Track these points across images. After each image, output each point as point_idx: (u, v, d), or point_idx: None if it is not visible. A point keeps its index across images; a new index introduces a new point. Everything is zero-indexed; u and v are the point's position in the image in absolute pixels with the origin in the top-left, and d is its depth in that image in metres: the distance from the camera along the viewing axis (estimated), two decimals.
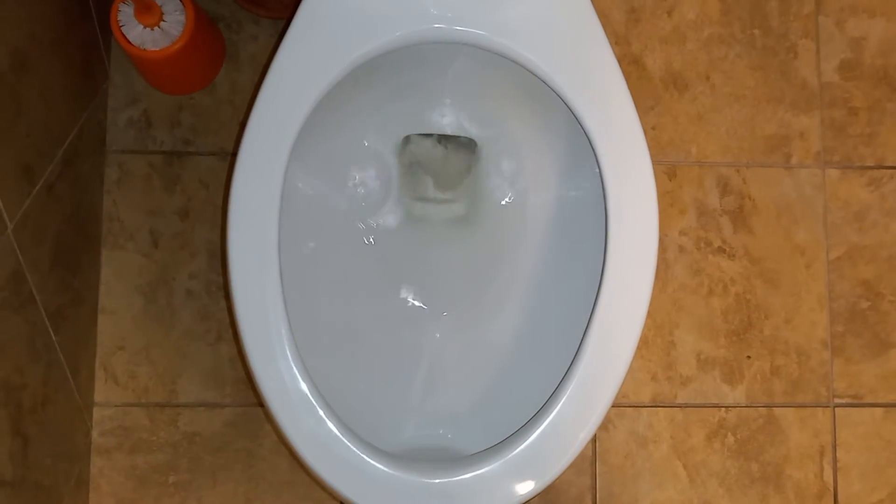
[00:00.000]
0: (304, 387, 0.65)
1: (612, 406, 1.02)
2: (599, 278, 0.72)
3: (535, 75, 0.72)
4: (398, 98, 0.84)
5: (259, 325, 0.66)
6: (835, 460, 1.04)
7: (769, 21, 1.09)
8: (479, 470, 0.65)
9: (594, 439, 1.02)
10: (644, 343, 1.04)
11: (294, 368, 0.65)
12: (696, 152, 1.07)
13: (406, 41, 0.72)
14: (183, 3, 0.93)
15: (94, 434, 0.98)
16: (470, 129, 0.89)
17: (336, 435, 0.64)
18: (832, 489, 1.03)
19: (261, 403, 1.00)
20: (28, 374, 0.80)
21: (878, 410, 1.05)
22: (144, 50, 0.92)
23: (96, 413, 0.99)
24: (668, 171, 1.06)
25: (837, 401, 1.05)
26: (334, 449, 0.64)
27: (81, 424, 0.96)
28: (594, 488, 1.01)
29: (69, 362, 0.91)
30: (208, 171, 1.02)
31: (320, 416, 0.65)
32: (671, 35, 1.08)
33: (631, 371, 1.03)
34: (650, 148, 0.75)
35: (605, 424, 1.02)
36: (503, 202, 0.88)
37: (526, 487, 0.65)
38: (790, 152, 1.07)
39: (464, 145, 0.89)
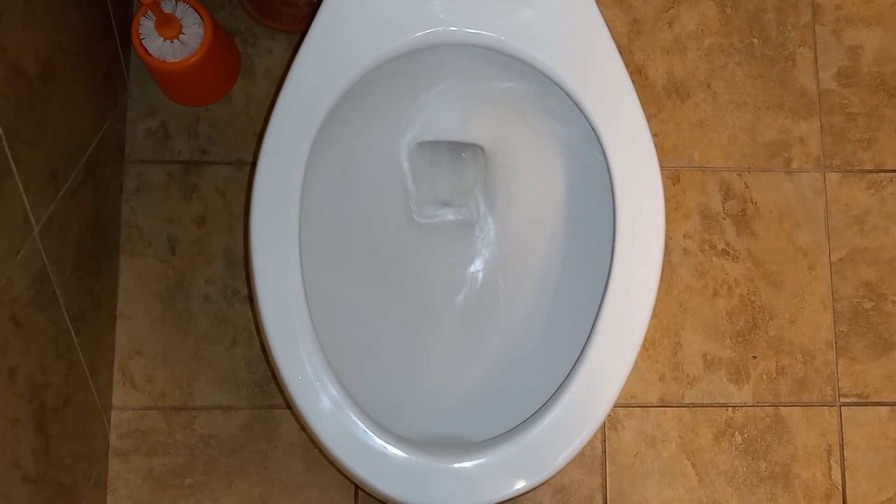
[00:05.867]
0: (324, 375, 0.67)
1: (621, 406, 1.04)
2: (607, 276, 0.74)
3: (545, 75, 0.75)
4: (411, 104, 0.87)
5: (281, 316, 0.69)
6: (842, 459, 1.05)
7: (767, 31, 1.12)
8: (495, 454, 0.67)
9: (604, 439, 1.03)
10: (651, 344, 1.06)
11: (315, 357, 0.68)
12: (699, 158, 1.09)
13: (419, 44, 0.75)
14: (201, 17, 0.97)
15: (112, 437, 1.00)
16: (479, 135, 0.91)
17: (355, 420, 0.66)
18: (840, 488, 1.05)
19: (276, 405, 1.01)
20: (51, 372, 0.83)
21: (884, 409, 1.06)
22: (164, 61, 0.96)
23: (114, 416, 1.00)
24: (671, 177, 1.09)
25: (843, 400, 1.06)
26: (353, 434, 0.66)
27: (100, 426, 0.97)
28: (604, 487, 1.03)
29: (89, 365, 0.93)
30: (224, 180, 1.05)
31: (340, 402, 0.67)
32: (672, 45, 1.11)
33: (639, 371, 1.05)
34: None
35: (615, 424, 1.04)
36: (510, 204, 0.90)
37: (540, 471, 0.67)
38: (791, 157, 1.10)
39: (473, 151, 0.92)
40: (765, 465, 1.04)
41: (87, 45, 0.91)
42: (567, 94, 0.77)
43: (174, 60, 0.96)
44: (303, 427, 0.88)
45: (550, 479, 0.99)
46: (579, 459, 1.03)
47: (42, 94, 0.79)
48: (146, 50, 0.95)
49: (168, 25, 0.95)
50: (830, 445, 1.05)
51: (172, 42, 0.96)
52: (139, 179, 1.05)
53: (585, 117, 0.77)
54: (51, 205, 0.82)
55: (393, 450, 0.66)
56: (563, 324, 0.81)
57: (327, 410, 0.67)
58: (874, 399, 1.07)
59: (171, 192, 1.05)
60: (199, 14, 0.97)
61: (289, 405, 1.01)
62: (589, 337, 0.72)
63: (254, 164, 1.04)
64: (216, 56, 0.99)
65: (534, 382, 0.75)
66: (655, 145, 0.77)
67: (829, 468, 1.05)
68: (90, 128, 0.93)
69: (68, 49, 0.85)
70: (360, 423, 0.67)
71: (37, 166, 0.78)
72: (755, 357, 1.06)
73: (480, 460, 0.67)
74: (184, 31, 0.96)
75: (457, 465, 0.66)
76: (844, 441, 1.05)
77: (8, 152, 0.71)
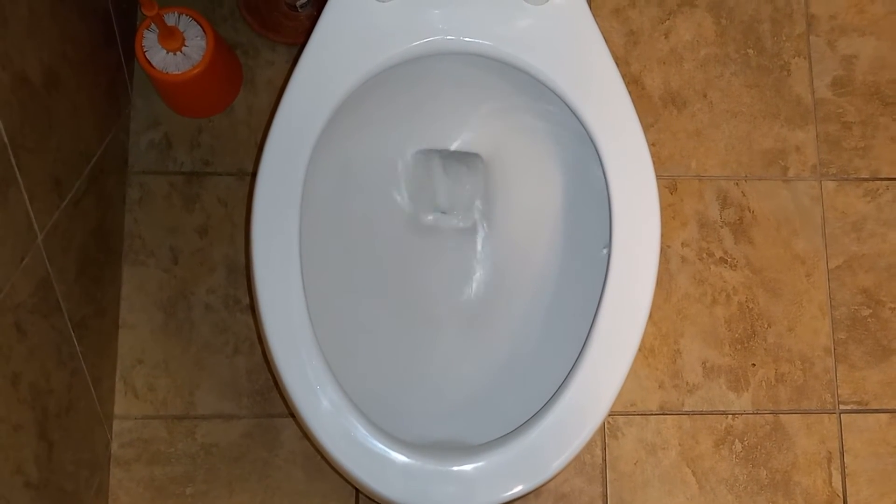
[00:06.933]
0: (325, 378, 0.68)
1: (621, 414, 1.04)
2: (603, 281, 0.75)
3: (542, 83, 0.76)
4: (409, 113, 0.88)
5: (283, 322, 0.69)
6: (843, 466, 1.05)
7: (762, 41, 1.14)
8: (494, 457, 0.67)
9: (604, 447, 1.04)
10: (650, 352, 1.06)
11: (316, 361, 0.68)
12: (696, 166, 1.10)
13: (418, 53, 0.76)
14: (204, 30, 0.98)
15: (114, 446, 1.00)
16: (477, 143, 0.92)
17: (355, 423, 0.67)
18: (842, 495, 1.05)
19: (277, 414, 1.02)
20: (54, 379, 0.83)
21: (884, 416, 1.07)
22: (167, 73, 0.97)
23: (116, 425, 1.01)
24: (668, 185, 1.10)
25: (843, 407, 1.06)
26: (353, 437, 0.67)
27: (102, 435, 0.98)
28: (605, 495, 1.03)
29: (91, 373, 0.94)
30: (226, 190, 1.06)
31: (340, 405, 0.67)
32: (669, 56, 1.13)
33: (638, 379, 1.05)
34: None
35: (615, 432, 1.04)
36: (509, 211, 0.91)
37: (539, 474, 0.67)
38: (787, 165, 1.11)
39: (471, 159, 0.93)
40: (765, 472, 1.04)
41: (92, 56, 0.92)
42: (564, 103, 0.78)
43: (177, 72, 0.97)
44: (305, 434, 0.88)
45: (550, 483, 0.99)
46: (580, 467, 1.03)
47: (46, 103, 0.80)
48: (149, 62, 0.97)
49: (171, 38, 0.96)
50: (831, 452, 1.05)
51: (175, 54, 0.97)
52: (142, 190, 1.06)
53: (582, 126, 0.78)
54: (55, 213, 0.83)
55: (393, 453, 0.67)
56: (560, 328, 0.82)
57: (327, 413, 0.67)
58: (874, 406, 1.07)
59: (173, 202, 1.06)
60: (201, 27, 0.98)
61: (291, 413, 1.01)
62: (586, 341, 0.72)
63: (255, 175, 1.05)
64: (218, 68, 1.01)
65: (532, 386, 0.75)
66: (652, 155, 0.78)
67: (830, 475, 1.05)
68: (94, 138, 0.94)
69: (73, 59, 0.87)
70: (360, 425, 0.67)
71: (41, 175, 0.79)
72: (754, 364, 1.07)
73: (480, 463, 0.67)
74: (186, 43, 0.97)
75: (456, 468, 0.67)
76: (845, 448, 1.05)
77: (13, 160, 0.72)
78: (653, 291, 0.74)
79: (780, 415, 1.06)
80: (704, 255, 1.09)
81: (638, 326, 0.72)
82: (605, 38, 0.80)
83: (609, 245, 0.75)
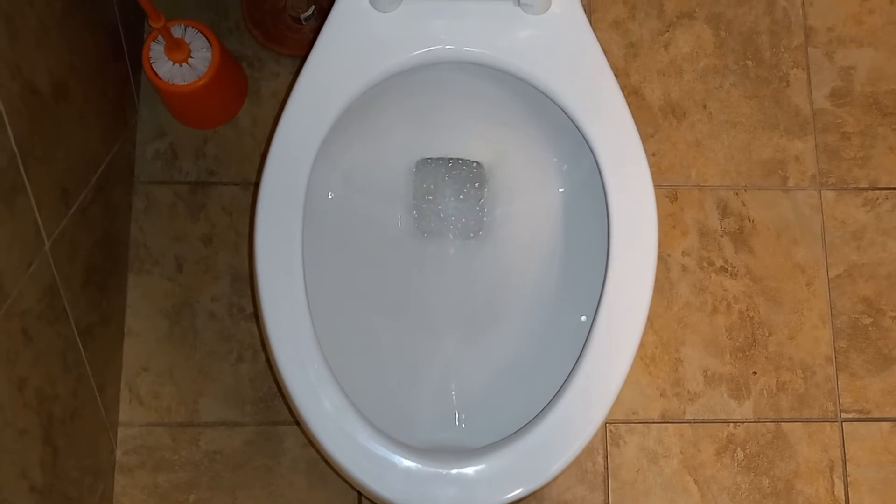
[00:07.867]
0: (327, 381, 0.69)
1: (623, 422, 1.04)
2: (601, 288, 0.75)
3: (540, 91, 0.78)
4: (411, 121, 0.90)
5: (286, 329, 0.70)
6: (845, 475, 1.05)
7: (761, 53, 1.15)
8: (494, 460, 0.68)
9: (606, 455, 1.04)
10: (652, 360, 1.07)
11: (318, 365, 0.69)
12: (696, 176, 1.11)
13: (419, 62, 0.77)
14: (210, 42, 1.00)
15: (118, 453, 1.01)
16: (478, 151, 0.94)
17: (357, 426, 0.68)
18: None
19: (280, 422, 1.02)
20: (59, 385, 0.84)
21: (886, 425, 1.07)
22: (173, 84, 0.98)
23: (120, 433, 1.01)
24: (669, 195, 1.11)
25: (844, 416, 1.07)
26: (355, 439, 0.67)
27: (106, 442, 0.98)
28: None
29: (96, 380, 0.94)
30: (231, 200, 1.07)
31: (342, 408, 0.68)
32: (668, 67, 1.14)
33: (640, 387, 1.06)
34: (651, 174, 0.79)
35: (616, 440, 1.04)
36: (509, 218, 0.92)
37: (538, 476, 0.68)
38: (787, 175, 1.12)
39: (472, 167, 0.94)
40: (767, 480, 1.04)
41: (99, 67, 0.94)
42: (563, 112, 0.79)
43: (183, 83, 0.99)
44: (308, 437, 0.89)
45: (552, 491, 0.99)
46: (582, 475, 1.03)
47: (55, 113, 0.82)
48: (156, 73, 0.98)
49: (177, 49, 0.98)
50: (833, 461, 1.05)
51: (181, 65, 0.99)
52: (147, 199, 1.07)
53: (581, 135, 0.79)
54: (62, 221, 0.84)
55: (394, 455, 0.67)
56: (560, 332, 0.82)
57: (330, 416, 0.68)
58: (875, 414, 1.07)
59: (178, 211, 1.07)
60: (207, 39, 1.00)
61: (294, 420, 1.02)
62: (585, 345, 0.73)
63: (258, 184, 1.06)
64: (223, 79, 1.02)
65: (532, 390, 0.76)
66: (652, 165, 0.79)
67: (832, 484, 1.05)
68: (101, 148, 0.95)
69: (81, 70, 0.88)
70: (361, 428, 0.68)
71: (49, 183, 0.81)
72: (755, 373, 1.07)
73: (480, 466, 0.68)
74: (192, 55, 0.99)
75: (456, 471, 0.67)
76: (847, 456, 1.06)
77: (22, 168, 0.74)
78: (650, 296, 0.75)
79: (782, 423, 1.06)
80: (705, 264, 1.09)
81: (636, 330, 0.73)
82: (605, 50, 0.81)
83: (607, 254, 0.76)
